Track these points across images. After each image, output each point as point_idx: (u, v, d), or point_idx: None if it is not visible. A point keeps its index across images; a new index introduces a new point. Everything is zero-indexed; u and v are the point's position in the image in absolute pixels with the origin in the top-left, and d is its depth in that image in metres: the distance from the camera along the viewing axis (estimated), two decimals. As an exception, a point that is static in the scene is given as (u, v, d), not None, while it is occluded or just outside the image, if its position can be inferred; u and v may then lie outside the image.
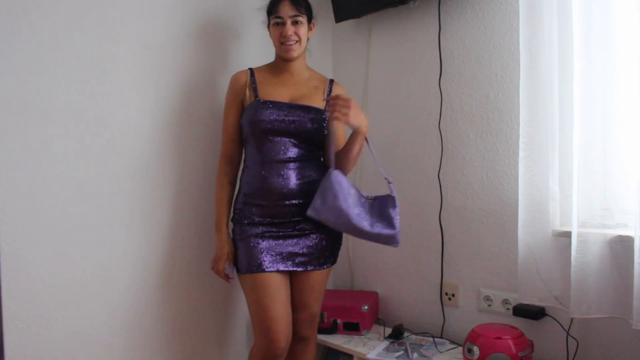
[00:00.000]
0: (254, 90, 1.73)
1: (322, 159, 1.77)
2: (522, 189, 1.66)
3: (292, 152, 1.67)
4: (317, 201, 1.61)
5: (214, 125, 1.93)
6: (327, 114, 1.59)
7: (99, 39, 1.65)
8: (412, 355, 1.85)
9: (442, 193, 2.03)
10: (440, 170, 2.03)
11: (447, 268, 2.04)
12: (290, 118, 1.66)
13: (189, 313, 1.91)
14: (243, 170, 1.77)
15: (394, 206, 1.64)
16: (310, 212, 1.62)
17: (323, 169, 1.74)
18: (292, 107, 1.69)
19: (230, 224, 1.76)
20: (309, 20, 1.74)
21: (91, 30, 1.63)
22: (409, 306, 2.19)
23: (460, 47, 1.96)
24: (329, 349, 2.13)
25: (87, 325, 1.64)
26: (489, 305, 1.91)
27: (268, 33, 1.76)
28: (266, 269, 1.64)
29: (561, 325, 1.69)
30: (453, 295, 2.03)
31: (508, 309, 1.85)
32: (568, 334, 1.67)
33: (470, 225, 1.96)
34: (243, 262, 1.67)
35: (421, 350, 1.90)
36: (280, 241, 1.68)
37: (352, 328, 2.07)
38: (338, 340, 2.02)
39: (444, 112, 2.02)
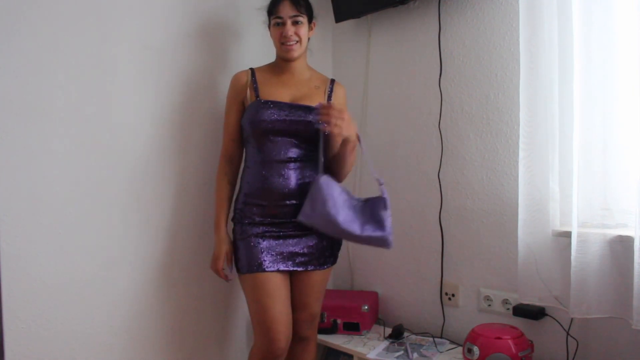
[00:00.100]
0: (255, 90, 1.73)
1: (326, 157, 1.76)
2: (522, 189, 1.66)
3: (293, 152, 1.67)
4: (306, 207, 1.61)
5: (213, 126, 1.93)
6: (316, 118, 1.56)
7: (99, 39, 1.65)
8: (412, 355, 1.85)
9: (442, 193, 2.03)
10: (440, 170, 2.03)
11: (447, 268, 2.04)
12: (291, 118, 1.66)
13: (189, 313, 1.91)
14: (244, 170, 1.77)
15: (386, 208, 1.62)
16: (300, 218, 1.62)
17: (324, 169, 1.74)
18: (293, 107, 1.68)
19: (231, 224, 1.76)
20: (310, 20, 1.74)
21: (91, 30, 1.63)
22: (409, 306, 2.19)
23: (460, 47, 1.96)
24: (329, 349, 2.13)
25: (87, 325, 1.64)
26: (489, 305, 1.91)
27: (269, 33, 1.76)
28: (266, 269, 1.64)
29: (561, 325, 1.69)
30: (453, 295, 2.03)
31: (508, 309, 1.85)
32: (568, 334, 1.67)
33: (470, 225, 1.96)
34: (243, 262, 1.67)
35: (421, 350, 1.90)
36: (281, 241, 1.68)
37: (352, 328, 2.07)
38: (338, 340, 2.02)
39: (444, 112, 2.02)
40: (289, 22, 1.68)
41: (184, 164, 1.88)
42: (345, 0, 2.18)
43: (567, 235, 1.57)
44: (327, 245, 1.73)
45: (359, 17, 2.25)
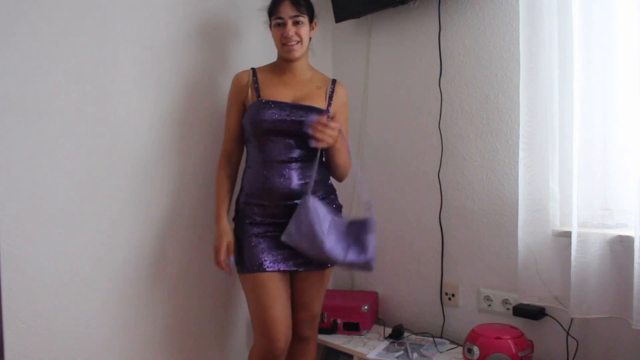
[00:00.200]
0: (257, 90, 1.73)
1: (324, 159, 1.76)
2: (522, 189, 1.66)
3: (294, 152, 1.67)
4: (291, 227, 1.60)
5: (214, 125, 1.93)
6: (310, 132, 1.59)
7: (99, 39, 1.65)
8: (412, 355, 1.85)
9: (442, 193, 2.03)
10: (440, 170, 2.03)
11: (447, 268, 2.04)
12: (292, 118, 1.66)
13: (189, 313, 1.91)
14: (245, 170, 1.77)
15: (371, 231, 1.62)
16: (283, 238, 1.61)
17: (325, 169, 1.74)
18: (294, 107, 1.68)
19: (232, 223, 1.76)
20: (311, 20, 1.73)
21: (91, 30, 1.63)
22: (409, 306, 2.19)
23: (460, 47, 1.96)
24: (329, 349, 2.13)
25: (87, 325, 1.64)
26: (489, 305, 1.91)
27: (269, 33, 1.76)
28: (267, 269, 1.64)
29: (561, 325, 1.69)
30: (453, 295, 2.03)
31: (508, 309, 1.85)
32: (568, 334, 1.67)
33: (470, 225, 1.96)
34: (244, 262, 1.67)
35: (421, 350, 1.90)
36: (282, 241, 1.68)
37: (352, 328, 2.07)
38: (338, 340, 2.02)
39: (444, 112, 2.02)
40: (289, 22, 1.68)
41: (184, 164, 1.88)
42: (345, 0, 2.18)
43: (567, 235, 1.57)
44: (328, 246, 1.73)
45: (359, 17, 2.25)
